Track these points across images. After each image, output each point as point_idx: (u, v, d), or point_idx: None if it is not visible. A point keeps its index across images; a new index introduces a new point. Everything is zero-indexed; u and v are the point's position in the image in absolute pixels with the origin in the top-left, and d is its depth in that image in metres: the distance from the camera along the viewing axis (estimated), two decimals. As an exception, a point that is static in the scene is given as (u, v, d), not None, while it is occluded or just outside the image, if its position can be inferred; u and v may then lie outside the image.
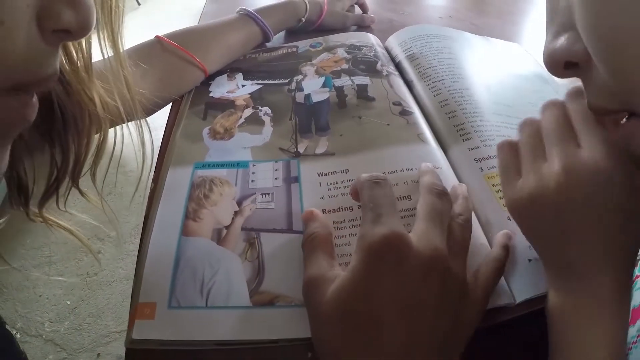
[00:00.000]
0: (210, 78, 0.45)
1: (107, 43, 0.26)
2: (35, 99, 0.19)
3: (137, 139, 0.32)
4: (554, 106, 0.26)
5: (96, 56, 0.27)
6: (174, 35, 0.42)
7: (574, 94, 0.26)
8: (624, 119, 0.21)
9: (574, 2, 0.18)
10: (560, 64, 0.20)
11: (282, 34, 0.55)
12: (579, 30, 0.18)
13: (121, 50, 0.28)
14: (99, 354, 1.00)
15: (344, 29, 0.57)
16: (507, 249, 0.27)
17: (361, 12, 0.62)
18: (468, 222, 0.26)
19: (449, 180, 0.31)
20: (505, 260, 0.26)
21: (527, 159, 0.25)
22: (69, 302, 1.09)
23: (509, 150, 0.27)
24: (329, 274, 0.23)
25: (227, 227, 0.29)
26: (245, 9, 0.49)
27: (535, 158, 0.25)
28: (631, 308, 0.24)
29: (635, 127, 0.20)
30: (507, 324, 0.26)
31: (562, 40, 0.20)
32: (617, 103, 0.19)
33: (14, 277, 1.14)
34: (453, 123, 0.37)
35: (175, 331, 0.24)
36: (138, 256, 0.28)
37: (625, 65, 0.17)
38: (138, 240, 1.07)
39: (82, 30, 0.18)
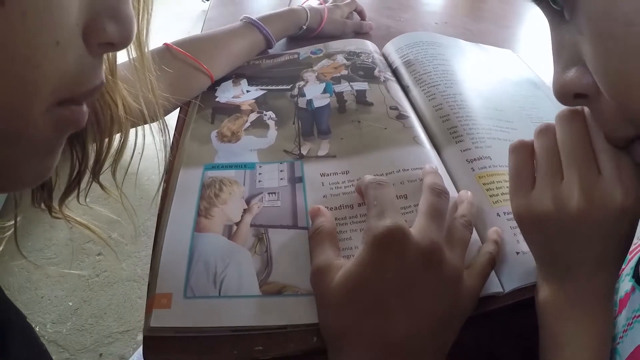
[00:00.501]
0: (216, 84, 0.47)
1: (132, 46, 0.27)
2: (84, 106, 0.20)
3: (144, 142, 0.34)
4: (575, 119, 0.25)
5: (120, 58, 0.28)
6: (182, 43, 0.44)
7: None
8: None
9: (582, 41, 0.19)
10: (570, 95, 0.22)
11: (283, 40, 0.57)
12: (590, 68, 0.20)
13: (147, 54, 0.29)
14: (101, 354, 1.01)
15: (343, 35, 0.59)
16: (498, 244, 0.29)
17: (359, 19, 0.64)
18: (469, 222, 0.28)
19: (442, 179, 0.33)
20: (496, 253, 0.28)
21: (544, 171, 0.25)
22: (70, 304, 1.10)
23: (524, 153, 0.27)
24: (336, 262, 0.26)
25: (237, 224, 0.31)
26: (248, 17, 0.51)
27: (552, 173, 0.25)
28: (618, 299, 0.26)
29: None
30: (497, 312, 0.28)
31: (571, 74, 0.21)
32: (630, 129, 0.21)
33: (16, 279, 1.14)
34: (446, 126, 0.39)
35: (191, 319, 0.26)
36: (153, 251, 0.30)
37: (635, 99, 0.18)
38: (139, 242, 1.08)
39: (125, 42, 0.19)
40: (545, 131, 0.26)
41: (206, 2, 2.41)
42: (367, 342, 0.23)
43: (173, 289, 0.27)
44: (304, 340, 0.25)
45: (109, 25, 0.18)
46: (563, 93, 0.22)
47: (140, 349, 0.55)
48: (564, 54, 0.21)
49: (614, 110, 0.20)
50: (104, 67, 0.21)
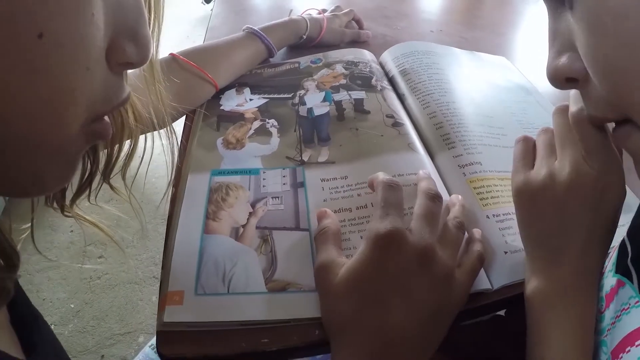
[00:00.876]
0: (220, 92, 0.49)
1: None
2: (107, 120, 0.22)
3: (153, 147, 0.36)
4: (563, 114, 0.29)
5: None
6: (188, 53, 0.46)
7: (580, 100, 0.27)
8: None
9: (577, 30, 0.21)
10: (562, 79, 0.24)
11: (284, 49, 0.59)
12: (581, 55, 0.21)
13: (157, 65, 0.30)
14: (103, 356, 1.02)
15: (341, 44, 0.61)
16: (482, 243, 0.31)
17: (357, 27, 0.66)
18: (462, 224, 0.31)
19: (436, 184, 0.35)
20: (484, 252, 0.30)
21: (541, 154, 0.30)
22: (72, 306, 1.11)
23: (527, 144, 0.31)
24: (339, 259, 0.28)
25: (243, 226, 0.33)
26: (251, 28, 0.53)
27: (549, 155, 0.29)
28: (604, 295, 0.28)
29: (627, 131, 0.23)
30: (490, 310, 0.30)
31: (564, 59, 0.23)
32: (613, 113, 0.23)
33: (18, 281, 1.15)
34: (440, 133, 0.41)
35: (202, 314, 0.28)
36: (164, 252, 0.32)
37: (621, 87, 0.20)
38: (140, 245, 1.09)
39: (143, 61, 0.21)
40: (546, 130, 0.31)
41: (206, 4, 2.43)
42: (367, 333, 0.25)
43: (185, 286, 0.29)
44: (307, 333, 0.28)
45: (128, 46, 0.20)
46: (555, 77, 0.24)
47: (143, 351, 0.57)
48: (558, 41, 0.23)
49: (600, 94, 0.22)
50: (126, 80, 0.22)
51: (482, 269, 0.30)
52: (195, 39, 2.17)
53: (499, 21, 0.84)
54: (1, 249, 0.17)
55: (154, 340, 0.57)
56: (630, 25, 0.18)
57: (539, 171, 0.29)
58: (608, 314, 0.27)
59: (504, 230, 0.33)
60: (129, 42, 0.20)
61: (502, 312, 0.40)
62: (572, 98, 0.28)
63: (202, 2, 2.48)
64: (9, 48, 0.15)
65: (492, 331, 0.40)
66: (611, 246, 0.29)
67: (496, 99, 0.50)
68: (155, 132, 0.36)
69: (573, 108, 0.27)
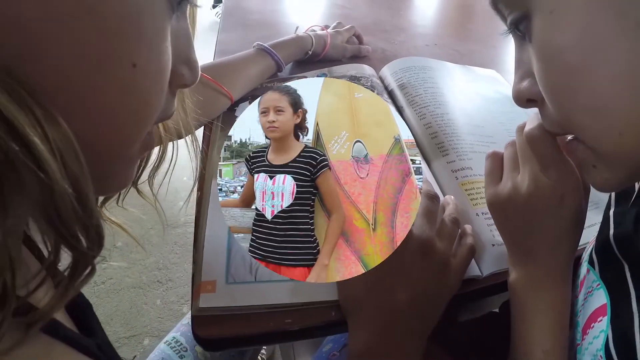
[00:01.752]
0: (234, 104, 0.53)
1: None
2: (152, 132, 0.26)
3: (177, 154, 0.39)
4: (522, 132, 0.32)
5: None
6: (204, 69, 0.50)
7: (535, 120, 0.32)
8: (569, 137, 0.30)
9: (534, 59, 0.25)
10: (523, 100, 0.28)
11: (290, 64, 0.64)
12: (537, 80, 0.26)
13: None
14: (108, 359, 1.04)
15: (343, 59, 0.65)
16: (473, 237, 0.36)
17: (358, 42, 0.70)
18: (457, 220, 0.35)
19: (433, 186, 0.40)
20: (474, 243, 0.35)
21: (507, 169, 0.34)
22: (77, 310, 1.14)
23: (496, 159, 0.35)
24: None
25: (265, 224, 0.37)
26: (261, 44, 0.57)
27: (513, 170, 0.33)
28: (579, 282, 0.33)
29: (575, 145, 0.28)
30: (477, 293, 0.35)
31: (525, 83, 0.27)
32: (562, 129, 0.28)
33: (23, 287, 1.17)
34: (435, 142, 0.46)
35: (233, 299, 0.32)
36: (194, 248, 0.36)
37: (564, 108, 0.25)
38: (142, 250, 1.11)
39: (194, 82, 0.25)
40: (512, 143, 0.35)
41: (213, 9, 2.48)
42: (379, 311, 0.30)
43: (216, 276, 0.33)
44: (325, 314, 0.32)
45: (184, 70, 0.24)
46: (518, 98, 0.28)
47: (158, 347, 0.60)
48: (521, 68, 0.28)
49: (553, 114, 0.26)
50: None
51: (474, 259, 0.35)
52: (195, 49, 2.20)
53: (491, 33, 0.87)
54: (96, 227, 0.20)
55: (169, 337, 0.60)
56: (569, 58, 0.22)
57: (505, 185, 0.33)
58: (581, 298, 0.32)
59: (491, 226, 0.38)
60: (184, 67, 0.24)
61: (496, 309, 0.45)
62: (529, 119, 0.32)
63: (211, 7, 2.53)
64: (113, 76, 0.19)
65: (487, 327, 0.44)
66: (588, 241, 0.34)
67: (486, 110, 0.55)
68: (185, 142, 0.39)
69: (527, 128, 0.31)
